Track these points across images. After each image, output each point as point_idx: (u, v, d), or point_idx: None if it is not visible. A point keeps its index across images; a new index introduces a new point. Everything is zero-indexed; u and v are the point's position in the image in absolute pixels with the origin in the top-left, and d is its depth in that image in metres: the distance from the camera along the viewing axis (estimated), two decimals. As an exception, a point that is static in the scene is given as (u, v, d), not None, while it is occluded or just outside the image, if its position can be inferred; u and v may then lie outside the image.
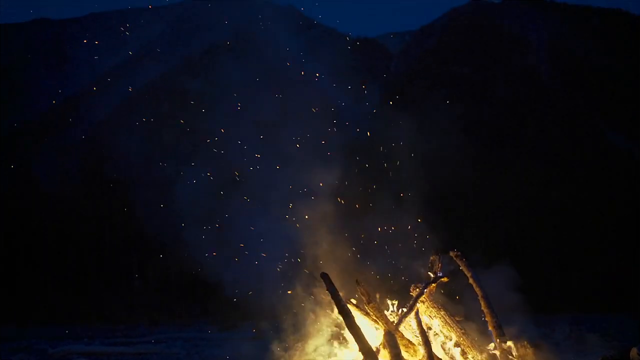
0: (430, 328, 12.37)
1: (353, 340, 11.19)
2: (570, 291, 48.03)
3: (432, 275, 12.51)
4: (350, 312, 11.26)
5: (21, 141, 70.72)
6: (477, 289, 12.98)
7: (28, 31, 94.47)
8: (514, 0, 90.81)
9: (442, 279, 12.50)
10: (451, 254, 13.15)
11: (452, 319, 12.38)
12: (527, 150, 64.81)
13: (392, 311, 12.42)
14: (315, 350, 12.92)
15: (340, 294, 11.38)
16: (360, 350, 10.87)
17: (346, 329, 11.37)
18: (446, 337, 12.37)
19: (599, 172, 60.98)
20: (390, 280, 14.19)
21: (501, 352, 12.16)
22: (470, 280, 13.11)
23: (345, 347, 12.55)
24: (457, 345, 12.19)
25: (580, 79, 74.68)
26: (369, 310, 11.65)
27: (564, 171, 61.61)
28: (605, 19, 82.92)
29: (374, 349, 11.04)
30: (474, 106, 68.87)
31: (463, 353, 12.17)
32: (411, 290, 12.40)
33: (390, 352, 10.93)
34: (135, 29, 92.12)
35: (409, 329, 12.17)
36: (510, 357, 12.13)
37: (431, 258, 12.83)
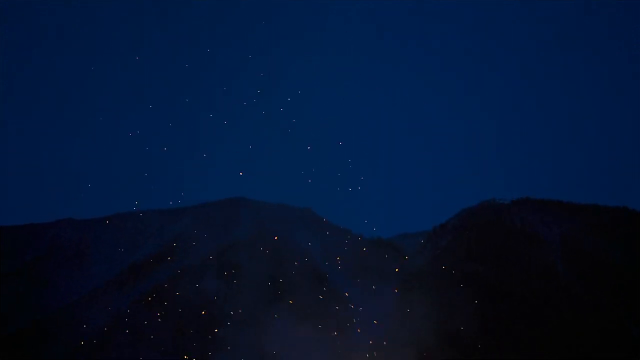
0: None
1: None
2: None
3: None
4: None
5: (31, 338, 69.99)
6: None
7: (52, 230, 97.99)
8: (523, 200, 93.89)
9: None
10: None
11: None
12: (548, 347, 62.50)
13: None
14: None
15: None
16: None
17: None
18: None
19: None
20: None
21: None
22: None
23: None
24: None
25: (595, 274, 74.29)
26: None
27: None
28: (614, 217, 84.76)
29: None
30: (491, 304, 67.90)
31: None
32: None
33: None
34: (155, 229, 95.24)
35: None
36: None
37: None
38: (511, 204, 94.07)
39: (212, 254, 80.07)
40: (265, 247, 76.49)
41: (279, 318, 58.45)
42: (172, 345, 61.16)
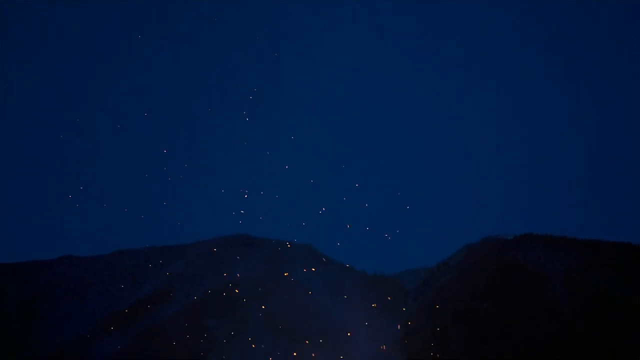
0: None
1: None
2: None
3: None
4: None
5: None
6: None
7: (52, 267, 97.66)
8: (525, 236, 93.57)
9: None
10: None
11: None
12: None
13: None
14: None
15: None
16: None
17: None
18: None
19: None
20: None
21: None
22: None
23: None
24: None
25: (599, 310, 73.73)
26: None
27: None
28: (617, 252, 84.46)
29: None
30: (494, 341, 67.33)
31: None
32: None
33: None
34: (155, 266, 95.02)
35: None
36: None
37: None
38: (513, 240, 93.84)
39: (213, 291, 79.71)
40: (267, 284, 76.14)
41: (280, 354, 57.94)
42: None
